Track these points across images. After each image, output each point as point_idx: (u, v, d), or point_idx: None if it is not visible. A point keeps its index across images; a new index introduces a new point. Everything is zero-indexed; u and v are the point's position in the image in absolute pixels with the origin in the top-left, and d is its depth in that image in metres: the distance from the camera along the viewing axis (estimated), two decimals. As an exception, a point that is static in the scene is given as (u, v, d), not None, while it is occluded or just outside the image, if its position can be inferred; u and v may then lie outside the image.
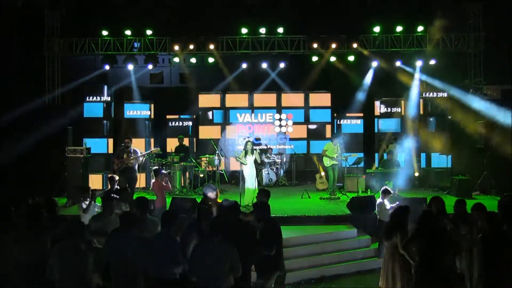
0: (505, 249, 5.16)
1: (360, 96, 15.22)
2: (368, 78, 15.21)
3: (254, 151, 11.02)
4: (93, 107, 14.46)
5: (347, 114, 15.55)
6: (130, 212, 5.73)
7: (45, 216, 5.74)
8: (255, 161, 11.08)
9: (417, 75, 14.69)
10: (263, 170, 14.35)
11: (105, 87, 14.66)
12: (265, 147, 15.06)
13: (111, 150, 14.43)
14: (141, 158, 11.05)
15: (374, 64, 14.89)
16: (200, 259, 4.91)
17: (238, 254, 4.93)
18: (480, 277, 5.25)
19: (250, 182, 10.92)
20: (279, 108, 16.02)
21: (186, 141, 14.30)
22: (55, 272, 4.84)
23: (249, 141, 11.58)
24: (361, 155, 14.07)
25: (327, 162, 12.43)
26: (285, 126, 16.00)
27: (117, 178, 8.97)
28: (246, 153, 10.95)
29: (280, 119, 15.99)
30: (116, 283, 5.09)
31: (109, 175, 9.72)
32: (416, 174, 14.14)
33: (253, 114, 15.96)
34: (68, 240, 4.93)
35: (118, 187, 8.43)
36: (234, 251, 4.92)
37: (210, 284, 4.84)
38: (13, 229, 5.31)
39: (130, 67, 14.88)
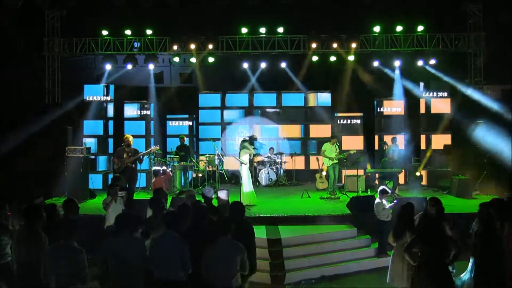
0: (496, 250, 5.32)
1: (360, 95, 15.21)
2: (368, 78, 15.20)
3: (247, 148, 10.87)
4: (93, 107, 14.46)
5: (347, 114, 15.55)
6: (129, 213, 5.70)
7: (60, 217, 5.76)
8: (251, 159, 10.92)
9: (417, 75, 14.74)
10: (263, 170, 14.36)
11: (105, 87, 14.67)
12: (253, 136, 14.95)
13: (111, 150, 14.44)
14: (141, 158, 11.03)
15: (374, 63, 14.89)
16: (209, 259, 4.95)
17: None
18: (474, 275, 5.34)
19: (245, 183, 10.71)
20: (279, 108, 16.04)
21: (186, 141, 14.30)
22: (51, 273, 4.80)
23: (244, 139, 11.48)
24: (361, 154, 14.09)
25: (326, 162, 12.43)
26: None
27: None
28: (241, 151, 10.86)
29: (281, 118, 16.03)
30: (115, 285, 5.05)
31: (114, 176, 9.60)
32: (418, 174, 14.14)
33: (253, 114, 15.98)
34: (61, 240, 4.89)
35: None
36: (244, 250, 5.02)
37: (218, 283, 4.88)
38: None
39: (130, 66, 14.90)
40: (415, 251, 5.48)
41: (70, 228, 4.98)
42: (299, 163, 15.53)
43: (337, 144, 12.40)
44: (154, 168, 13.28)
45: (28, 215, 5.36)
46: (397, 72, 15.00)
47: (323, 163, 12.85)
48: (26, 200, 6.77)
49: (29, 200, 6.81)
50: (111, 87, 14.82)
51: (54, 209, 6.05)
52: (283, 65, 15.14)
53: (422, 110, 14.93)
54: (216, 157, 13.42)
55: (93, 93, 14.55)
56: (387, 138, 14.76)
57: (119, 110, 14.88)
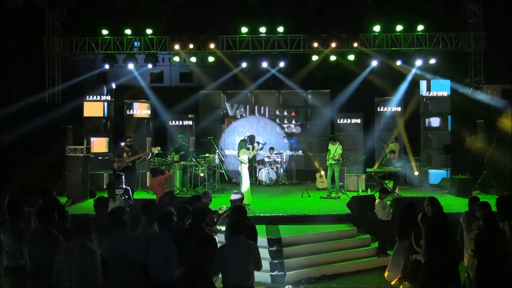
0: (499, 247, 5.27)
1: (360, 95, 15.21)
2: (368, 77, 15.20)
3: (247, 148, 10.86)
4: (93, 106, 14.45)
5: (347, 113, 15.54)
6: (120, 209, 5.61)
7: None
8: (250, 158, 10.92)
9: (417, 74, 14.71)
10: (263, 169, 14.35)
11: (105, 86, 14.67)
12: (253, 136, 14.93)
13: (111, 149, 14.43)
14: (141, 157, 11.04)
15: (374, 63, 14.89)
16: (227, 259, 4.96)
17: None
18: (476, 273, 5.34)
19: (244, 183, 10.75)
20: (279, 106, 16.03)
21: (186, 140, 14.29)
22: (63, 272, 4.70)
23: (243, 139, 11.47)
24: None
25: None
26: (285, 124, 16.02)
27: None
28: (239, 150, 10.87)
29: (279, 117, 16.02)
30: (115, 283, 5.03)
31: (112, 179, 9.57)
32: (416, 173, 14.13)
33: (253, 113, 15.98)
34: (75, 239, 4.79)
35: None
36: (257, 249, 5.10)
37: (237, 282, 4.90)
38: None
39: (130, 66, 14.89)
40: (427, 246, 5.52)
41: (84, 226, 4.89)
42: (299, 162, 15.54)
43: (338, 144, 12.33)
44: (153, 167, 13.26)
45: (41, 216, 5.29)
46: (397, 71, 15.00)
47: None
48: (27, 200, 6.76)
49: (30, 200, 6.81)
50: (111, 86, 14.81)
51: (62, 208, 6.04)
52: (282, 64, 15.13)
53: (422, 108, 14.90)
54: (216, 157, 13.42)
55: (93, 93, 14.53)
56: (387, 138, 14.77)
57: (119, 110, 14.86)
